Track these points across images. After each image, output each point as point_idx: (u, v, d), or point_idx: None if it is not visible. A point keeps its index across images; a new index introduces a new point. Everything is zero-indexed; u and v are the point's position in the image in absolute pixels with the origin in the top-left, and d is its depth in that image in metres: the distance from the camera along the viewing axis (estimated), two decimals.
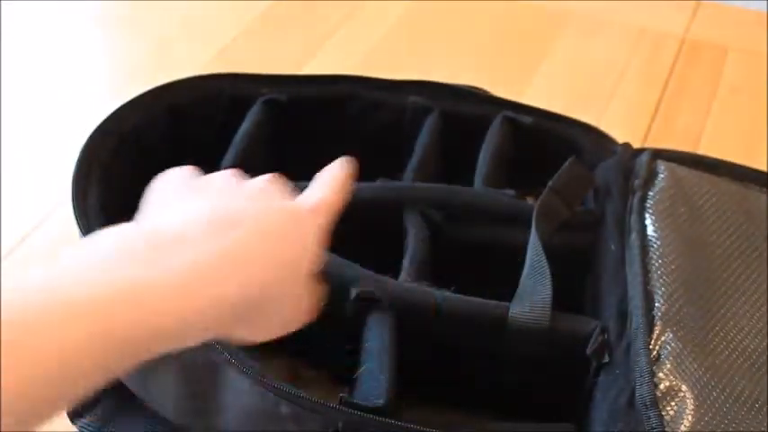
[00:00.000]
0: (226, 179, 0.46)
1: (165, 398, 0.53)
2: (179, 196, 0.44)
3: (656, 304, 0.53)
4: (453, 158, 0.68)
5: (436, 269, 0.59)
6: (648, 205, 0.60)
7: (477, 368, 0.57)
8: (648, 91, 0.95)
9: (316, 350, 0.60)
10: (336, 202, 0.48)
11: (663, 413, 0.47)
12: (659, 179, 0.62)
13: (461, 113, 0.70)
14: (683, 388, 0.48)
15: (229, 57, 0.98)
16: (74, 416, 0.58)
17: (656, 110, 0.92)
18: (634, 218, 0.59)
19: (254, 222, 0.41)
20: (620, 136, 0.88)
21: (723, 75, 0.97)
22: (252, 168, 0.63)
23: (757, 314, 0.54)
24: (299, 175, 0.64)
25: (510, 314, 0.53)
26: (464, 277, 0.57)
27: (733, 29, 1.04)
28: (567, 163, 0.61)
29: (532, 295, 0.54)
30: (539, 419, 0.54)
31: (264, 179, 0.46)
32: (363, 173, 0.65)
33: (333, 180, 0.49)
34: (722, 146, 0.88)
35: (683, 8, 1.07)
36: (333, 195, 0.48)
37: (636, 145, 0.87)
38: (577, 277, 0.60)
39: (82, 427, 0.57)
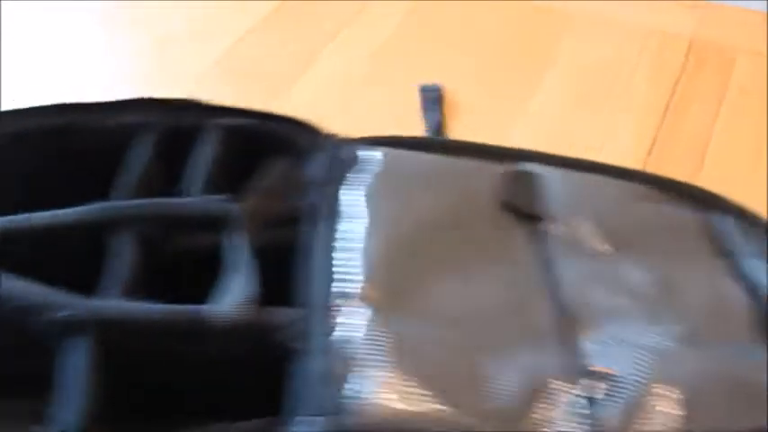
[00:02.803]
0: None
1: None
2: None
3: (349, 286, 0.55)
4: (176, 172, 0.67)
5: (152, 284, 0.59)
6: (354, 191, 0.61)
7: (187, 374, 0.57)
8: (657, 93, 0.94)
9: (18, 381, 0.58)
10: None
11: (347, 387, 0.49)
12: (366, 164, 0.64)
13: (178, 127, 0.69)
14: (370, 361, 0.50)
15: (231, 57, 0.98)
16: None
17: (665, 112, 0.92)
18: (333, 205, 0.61)
19: None
20: (628, 137, 0.88)
21: (732, 76, 0.97)
22: None
23: (462, 282, 0.57)
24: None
25: (211, 315, 0.54)
26: (184, 287, 0.57)
27: (742, 30, 1.04)
28: (273, 161, 0.63)
29: (234, 294, 0.55)
30: (256, 416, 0.54)
31: None
32: (87, 202, 0.64)
33: None
34: (732, 147, 0.88)
35: (692, 9, 1.07)
36: None
37: (645, 147, 0.87)
38: (288, 272, 0.61)
39: None
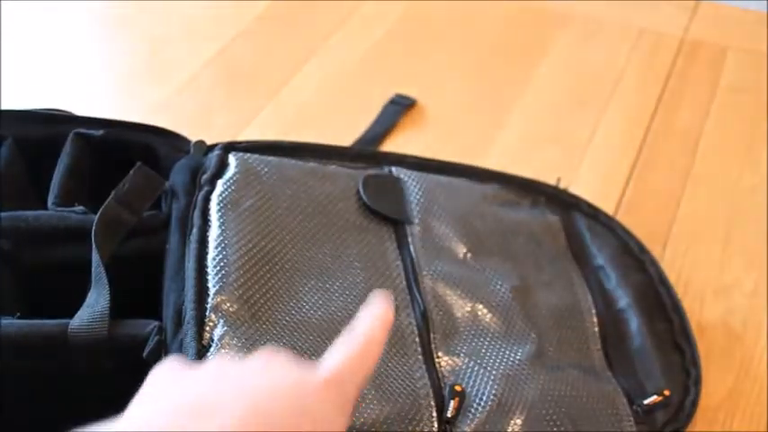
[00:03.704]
0: (219, 363, 0.41)
1: None
2: (162, 392, 0.39)
3: (210, 296, 0.54)
4: (37, 184, 0.66)
5: (11, 297, 0.58)
6: (215, 198, 0.60)
7: (50, 391, 0.56)
8: (648, 91, 0.95)
9: None
10: (362, 363, 0.41)
11: None
12: (228, 171, 0.63)
13: (35, 138, 0.68)
14: None
15: (229, 57, 0.98)
16: None
17: (656, 110, 0.92)
18: (197, 213, 0.59)
19: (234, 408, 0.36)
20: (619, 136, 0.89)
21: (723, 75, 0.97)
22: None
23: (323, 288, 0.58)
24: None
25: (69, 329, 0.53)
26: (44, 301, 0.56)
27: (732, 29, 1.04)
28: (132, 170, 0.61)
29: (93, 308, 0.54)
30: None
31: (267, 353, 0.41)
32: None
33: (362, 334, 0.42)
34: (722, 146, 0.88)
35: (683, 8, 1.07)
36: (356, 357, 0.41)
37: (636, 145, 0.88)
38: (155, 282, 0.60)
39: None
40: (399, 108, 0.90)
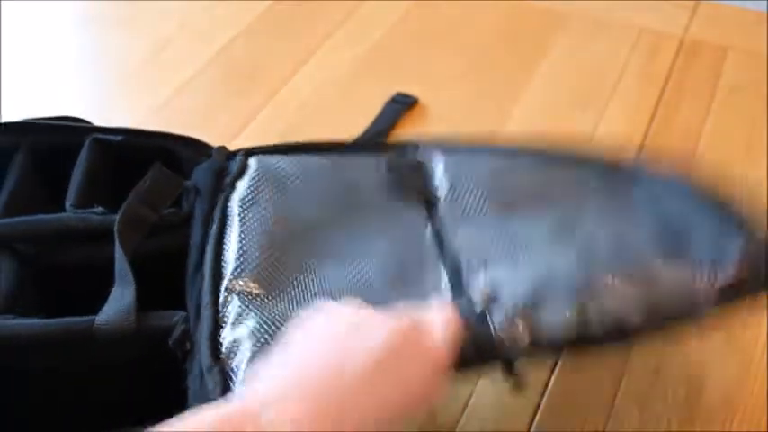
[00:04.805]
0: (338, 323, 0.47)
1: None
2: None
3: (225, 279, 0.56)
4: (56, 190, 0.67)
5: (32, 299, 0.59)
6: (236, 197, 0.62)
7: (79, 388, 0.57)
8: (648, 91, 0.95)
9: None
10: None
11: (228, 369, 0.51)
12: (249, 172, 0.64)
13: (52, 145, 0.68)
14: (243, 342, 0.52)
15: (229, 57, 0.98)
16: None
17: (656, 110, 0.92)
18: (218, 211, 0.61)
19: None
20: (620, 135, 0.89)
21: (723, 75, 0.97)
22: None
23: (353, 271, 0.59)
24: None
25: (95, 324, 0.54)
26: (70, 302, 0.57)
27: (733, 29, 1.04)
28: (151, 169, 0.63)
29: (119, 302, 0.55)
30: (155, 418, 0.54)
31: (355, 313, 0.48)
32: None
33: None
34: (722, 146, 0.88)
35: (683, 8, 1.07)
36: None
37: (636, 145, 0.88)
38: (177, 277, 0.61)
39: None
40: (400, 107, 0.91)
